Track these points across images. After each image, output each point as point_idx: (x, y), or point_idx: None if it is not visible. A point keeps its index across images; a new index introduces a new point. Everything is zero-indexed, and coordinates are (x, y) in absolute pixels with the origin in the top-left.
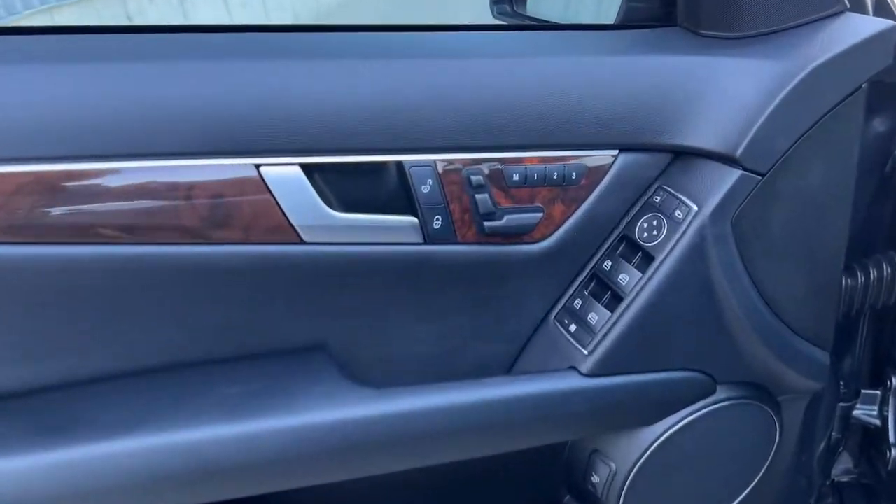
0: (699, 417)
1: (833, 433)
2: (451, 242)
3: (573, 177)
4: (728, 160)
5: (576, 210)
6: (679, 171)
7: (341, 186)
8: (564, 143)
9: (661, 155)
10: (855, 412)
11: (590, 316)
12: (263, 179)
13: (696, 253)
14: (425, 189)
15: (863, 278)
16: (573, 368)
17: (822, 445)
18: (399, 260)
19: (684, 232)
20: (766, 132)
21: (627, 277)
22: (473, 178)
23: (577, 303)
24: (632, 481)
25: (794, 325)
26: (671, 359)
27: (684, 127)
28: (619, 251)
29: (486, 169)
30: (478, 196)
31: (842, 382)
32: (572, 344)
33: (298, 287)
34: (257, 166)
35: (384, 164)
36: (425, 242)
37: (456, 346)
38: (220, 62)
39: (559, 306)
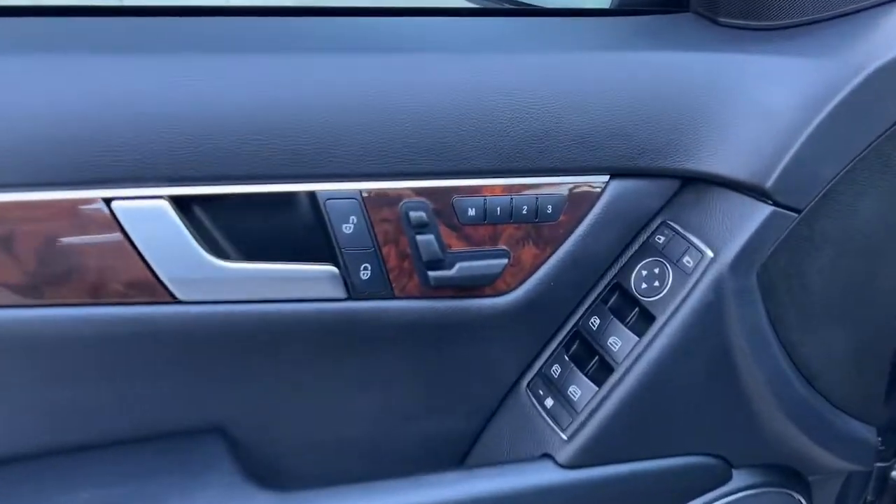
0: None
1: (867, 496)
2: (385, 297)
3: (548, 211)
4: (755, 192)
5: (552, 253)
6: (689, 203)
7: (229, 226)
8: (538, 166)
9: (666, 182)
10: (894, 473)
11: (571, 389)
12: (116, 218)
13: (711, 312)
14: (347, 229)
15: None
16: (548, 457)
17: None
18: (313, 321)
19: (695, 285)
20: (805, 156)
21: (620, 342)
22: (413, 213)
23: (556, 369)
24: None
25: (833, 397)
26: (675, 441)
27: (697, 146)
28: (609, 304)
29: (431, 201)
30: (420, 237)
31: (880, 438)
32: (548, 424)
33: (178, 357)
34: (107, 200)
35: (290, 195)
36: (349, 298)
37: (396, 426)
38: (38, 54)
39: (532, 371)
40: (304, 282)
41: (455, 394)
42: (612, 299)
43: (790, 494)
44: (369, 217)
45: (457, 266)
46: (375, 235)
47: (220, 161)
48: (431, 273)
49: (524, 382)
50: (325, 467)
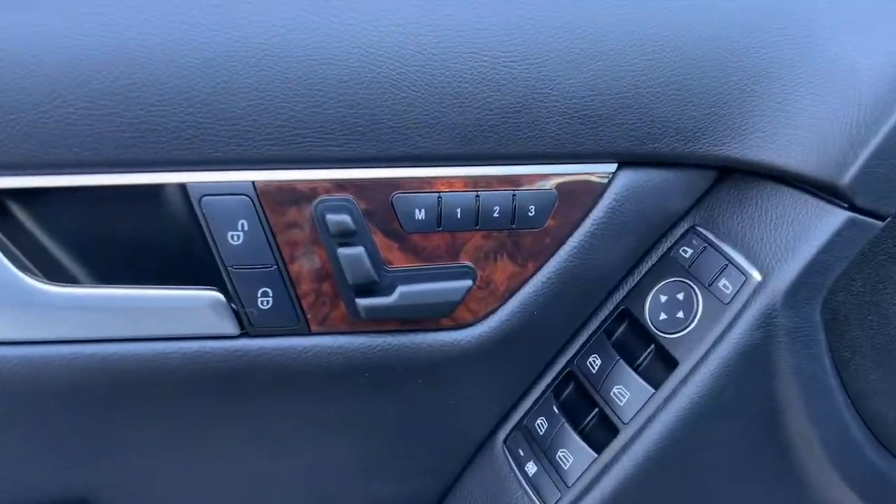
0: None
1: None
2: (297, 333)
3: (530, 213)
4: (825, 191)
5: (536, 272)
6: (728, 204)
7: (61, 235)
8: (515, 150)
9: (696, 174)
10: None
11: (560, 453)
12: None
13: (755, 358)
14: (235, 238)
15: None
16: None
17: None
18: (196, 364)
19: (735, 319)
20: (894, 149)
21: (628, 392)
22: (333, 217)
23: (541, 423)
24: None
25: None
26: None
27: (744, 125)
28: (614, 339)
29: (359, 199)
30: (344, 251)
31: None
32: (529, 497)
33: (24, 414)
34: None
35: (149, 191)
36: (244, 334)
37: (329, 495)
38: None
39: (511, 422)
40: (179, 313)
41: (408, 452)
42: (619, 332)
43: None
44: (268, 221)
45: (398, 291)
46: (278, 248)
47: (44, 143)
48: (362, 301)
49: (501, 436)
50: None
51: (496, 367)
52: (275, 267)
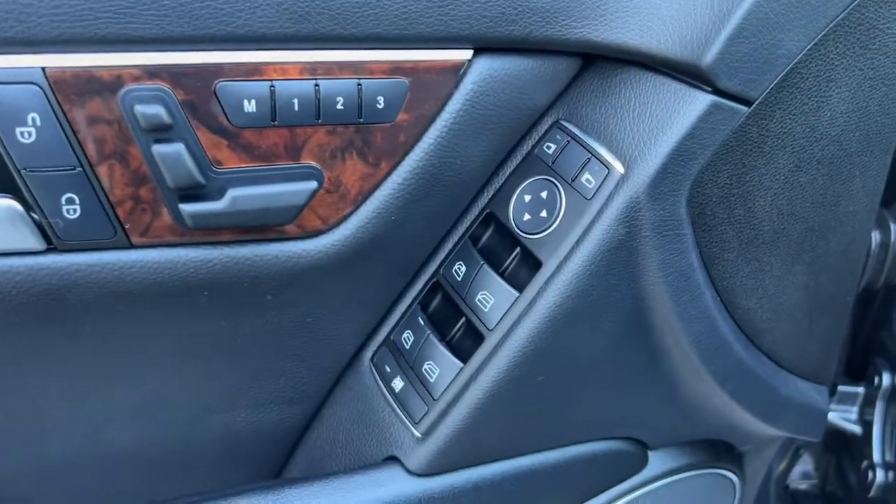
0: None
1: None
2: (115, 246)
3: (379, 105)
4: (687, 74)
5: (391, 172)
6: (592, 94)
7: None
8: (355, 31)
9: (560, 62)
10: (829, 415)
11: (426, 365)
12: None
13: (620, 254)
14: (25, 135)
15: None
16: (395, 461)
17: (784, 464)
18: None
19: (598, 215)
20: (759, 22)
21: (492, 298)
22: (144, 109)
23: (407, 337)
24: None
25: (779, 356)
26: (569, 428)
27: (604, 6)
28: (479, 245)
29: (176, 88)
30: (160, 149)
31: None
32: (396, 415)
33: None
34: None
35: None
36: (51, 248)
37: (179, 426)
38: None
39: (377, 339)
40: None
41: (265, 378)
42: (484, 237)
43: (719, 474)
44: (65, 115)
45: (230, 195)
46: (81, 146)
47: None
48: (187, 207)
49: (368, 354)
50: (83, 489)
51: (355, 279)
52: (79, 169)
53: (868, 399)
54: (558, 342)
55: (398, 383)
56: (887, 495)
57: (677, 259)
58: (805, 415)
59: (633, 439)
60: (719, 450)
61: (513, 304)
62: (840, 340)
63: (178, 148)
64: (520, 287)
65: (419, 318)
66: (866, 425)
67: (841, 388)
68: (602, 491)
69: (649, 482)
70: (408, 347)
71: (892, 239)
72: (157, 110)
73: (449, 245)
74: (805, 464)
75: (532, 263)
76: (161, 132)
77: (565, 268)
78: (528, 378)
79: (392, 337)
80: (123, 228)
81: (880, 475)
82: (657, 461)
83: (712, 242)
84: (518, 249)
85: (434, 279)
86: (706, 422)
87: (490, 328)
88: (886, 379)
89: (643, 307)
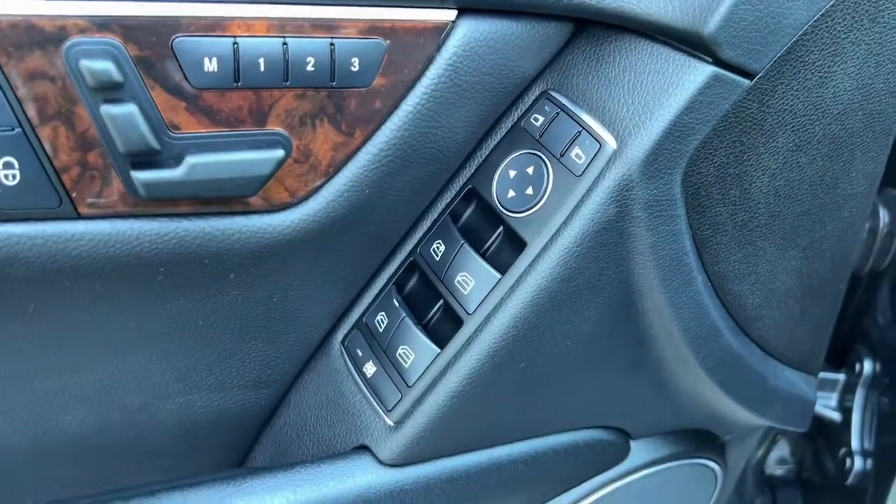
0: (602, 499)
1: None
2: (61, 217)
3: (354, 68)
4: (686, 43)
5: (366, 141)
6: (584, 63)
7: None
8: None
9: (550, 27)
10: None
11: (401, 350)
12: None
13: (609, 236)
14: None
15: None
16: (366, 451)
17: (762, 450)
18: None
19: (587, 194)
20: None
21: (472, 280)
22: (91, 65)
23: (381, 319)
24: None
25: (770, 343)
26: (550, 416)
27: None
28: (460, 224)
29: (128, 42)
30: (109, 109)
31: None
32: (368, 401)
33: None
34: None
35: None
36: None
37: (133, 411)
38: None
39: (349, 321)
40: None
41: (230, 361)
42: (465, 215)
43: (702, 463)
44: (1, 69)
45: (187, 162)
46: (20, 105)
47: None
48: (140, 175)
49: (339, 337)
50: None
51: (326, 257)
52: (17, 130)
53: (848, 386)
54: (542, 327)
55: (370, 368)
56: (864, 483)
57: (669, 242)
58: (792, 405)
59: (616, 429)
60: (702, 439)
61: (494, 287)
62: (830, 329)
63: (130, 109)
64: (502, 269)
65: (394, 300)
66: (845, 412)
67: (822, 374)
68: (583, 481)
69: (631, 472)
70: (381, 331)
71: (881, 225)
72: (107, 66)
73: (427, 223)
74: (781, 450)
75: (516, 244)
76: (111, 91)
77: (551, 249)
78: (509, 365)
79: (365, 319)
80: (70, 197)
81: (858, 463)
82: (640, 451)
83: (705, 225)
84: (501, 228)
85: (411, 258)
86: (691, 411)
87: (469, 312)
88: (868, 366)
89: (632, 292)
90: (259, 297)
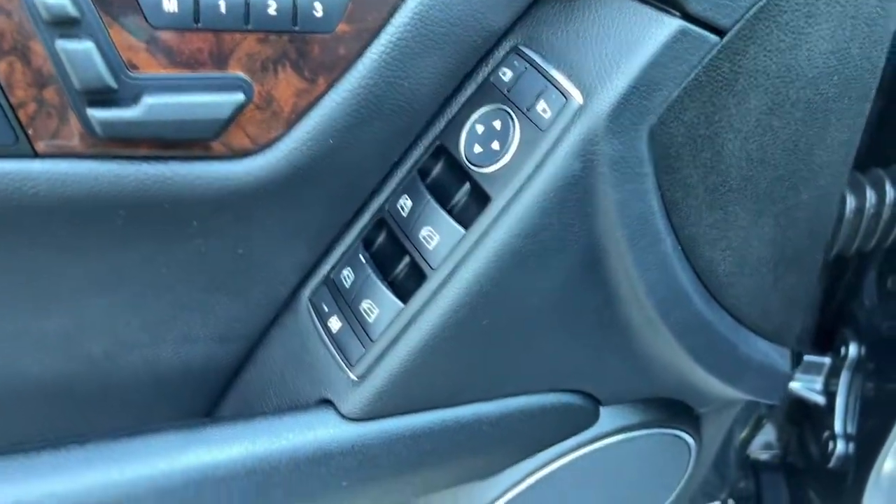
0: (569, 464)
1: (761, 412)
2: (18, 154)
3: (317, 13)
4: None
5: (329, 89)
6: (555, 17)
7: None
8: None
9: None
10: (792, 384)
11: (365, 304)
12: None
13: (575, 192)
14: None
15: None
16: (328, 404)
17: (745, 432)
18: None
19: (552, 148)
20: None
21: (437, 235)
22: None
23: (347, 274)
24: None
25: (741, 313)
26: (516, 376)
27: None
28: (429, 180)
29: None
30: (65, 45)
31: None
32: (332, 356)
33: None
34: None
35: None
36: None
37: (97, 361)
38: None
39: (317, 277)
40: None
41: (193, 314)
42: (434, 172)
43: (674, 434)
44: None
45: (145, 102)
46: None
47: None
48: (96, 113)
49: (306, 293)
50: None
51: (291, 208)
52: None
53: (834, 370)
54: (506, 284)
55: (335, 323)
56: (846, 466)
57: (636, 201)
58: (765, 376)
59: (584, 393)
60: (675, 410)
61: (459, 242)
62: (807, 302)
63: (87, 46)
64: (467, 224)
65: (360, 256)
66: (830, 396)
67: (807, 357)
68: (550, 445)
69: (599, 438)
70: (347, 286)
71: (867, 205)
72: (62, 1)
73: (397, 179)
74: (767, 434)
75: (481, 199)
76: (67, 27)
77: (515, 204)
78: (472, 321)
79: (332, 275)
80: (26, 134)
81: (840, 446)
82: (609, 417)
83: (675, 186)
84: (468, 184)
85: (380, 215)
86: (662, 379)
87: (433, 267)
88: (853, 349)
89: (598, 250)
90: (223, 248)
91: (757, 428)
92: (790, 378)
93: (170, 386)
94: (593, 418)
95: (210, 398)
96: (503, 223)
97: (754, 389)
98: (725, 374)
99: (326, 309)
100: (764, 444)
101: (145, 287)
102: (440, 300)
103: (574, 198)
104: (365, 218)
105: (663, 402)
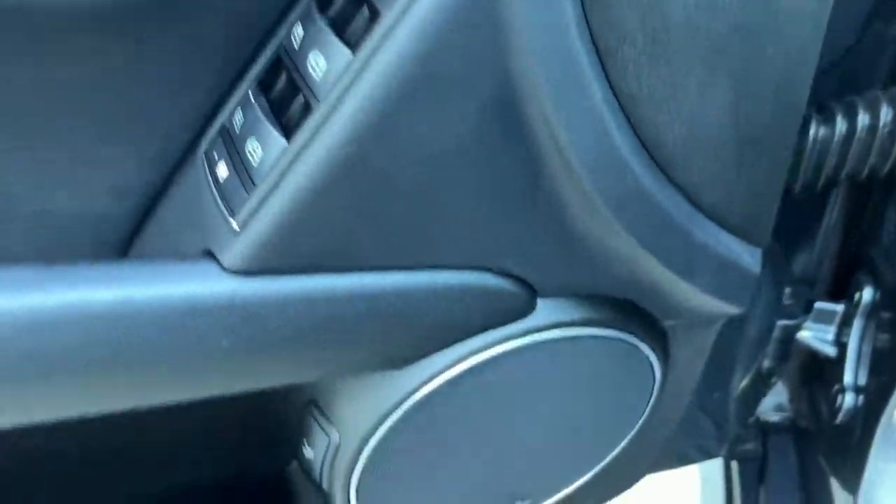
0: (499, 357)
1: (766, 361)
2: None
3: None
4: None
5: None
6: None
7: None
8: None
9: None
10: (802, 334)
11: (250, 145)
12: None
13: (476, 12)
14: None
15: (845, 126)
16: (210, 256)
17: (748, 379)
18: None
19: None
20: None
21: (325, 60)
22: None
23: (238, 118)
24: (367, 463)
25: (700, 197)
26: (428, 243)
27: None
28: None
29: None
30: None
31: (788, 289)
32: (218, 205)
33: None
34: None
35: None
36: None
37: None
38: None
39: (213, 130)
40: None
41: (84, 165)
42: None
43: (630, 342)
44: None
45: None
46: None
47: None
48: None
49: (203, 147)
50: None
51: (178, 41)
52: None
53: (846, 319)
54: (399, 117)
55: (223, 171)
56: (853, 422)
57: (552, 32)
58: (727, 273)
59: (518, 279)
60: (629, 312)
61: (348, 66)
62: (779, 191)
63: None
64: (355, 46)
65: (251, 96)
66: (842, 347)
67: (818, 304)
68: (476, 332)
69: (535, 331)
70: (237, 131)
71: (881, 123)
72: None
73: (297, 10)
74: (779, 395)
75: (370, 15)
76: None
77: (405, 19)
78: (364, 164)
79: (225, 123)
80: None
81: (849, 399)
82: (547, 310)
83: (608, 28)
84: (364, 4)
85: (277, 55)
86: (607, 270)
87: (319, 99)
88: (867, 294)
89: (511, 89)
90: (109, 87)
91: (762, 381)
92: (757, 279)
93: (64, 241)
94: (528, 309)
95: (108, 257)
96: (392, 42)
97: (715, 287)
98: (677, 264)
99: (217, 157)
100: (775, 405)
101: (28, 127)
102: (325, 134)
103: (476, 20)
104: (263, 60)
105: (614, 301)
